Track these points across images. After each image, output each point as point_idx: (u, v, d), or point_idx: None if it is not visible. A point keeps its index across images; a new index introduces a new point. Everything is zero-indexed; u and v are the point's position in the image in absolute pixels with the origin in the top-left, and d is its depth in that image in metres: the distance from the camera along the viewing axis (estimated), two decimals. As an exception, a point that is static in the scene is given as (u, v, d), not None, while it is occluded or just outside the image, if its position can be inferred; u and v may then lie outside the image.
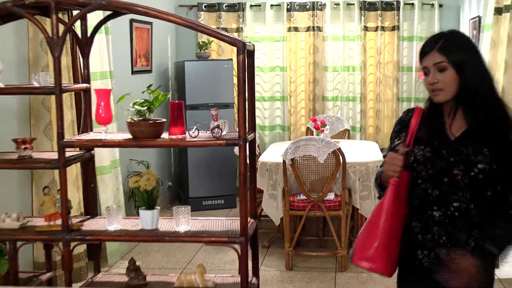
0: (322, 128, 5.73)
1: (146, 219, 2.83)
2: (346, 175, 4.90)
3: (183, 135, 2.80)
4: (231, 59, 7.07)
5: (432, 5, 7.10)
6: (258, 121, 7.23)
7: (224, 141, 2.74)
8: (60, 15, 3.17)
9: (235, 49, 7.29)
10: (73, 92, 4.30)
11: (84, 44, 2.98)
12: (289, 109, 7.41)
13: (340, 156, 4.84)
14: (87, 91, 3.03)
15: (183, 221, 2.84)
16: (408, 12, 7.15)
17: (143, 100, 2.78)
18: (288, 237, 5.00)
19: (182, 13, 7.24)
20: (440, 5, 7.12)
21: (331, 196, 5.00)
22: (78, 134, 3.08)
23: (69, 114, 4.33)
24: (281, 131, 7.43)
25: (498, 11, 5.00)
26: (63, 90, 2.72)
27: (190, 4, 7.41)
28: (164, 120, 2.83)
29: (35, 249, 4.05)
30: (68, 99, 4.34)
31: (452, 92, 2.08)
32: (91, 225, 2.92)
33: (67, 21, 3.25)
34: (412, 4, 7.12)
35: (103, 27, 4.11)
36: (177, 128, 2.79)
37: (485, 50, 5.10)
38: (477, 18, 6.04)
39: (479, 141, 2.08)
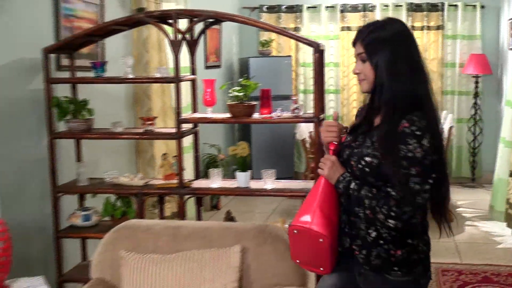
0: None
1: (241, 178, 3.67)
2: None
3: (270, 115, 3.63)
4: (290, 56, 7.90)
5: (474, 6, 7.76)
6: (314, 111, 8.02)
7: (303, 119, 3.57)
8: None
9: (293, 46, 8.10)
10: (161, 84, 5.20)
11: (192, 44, 3.84)
12: (342, 101, 8.19)
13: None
14: (194, 80, 3.90)
15: (269, 181, 3.67)
16: (452, 13, 7.83)
17: (239, 88, 3.62)
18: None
19: (245, 14, 8.08)
20: (482, 6, 7.77)
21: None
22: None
23: (159, 101, 5.23)
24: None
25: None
26: (180, 80, 3.59)
27: (252, 6, 8.25)
28: (255, 103, 3.66)
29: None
30: (159, 90, 5.24)
31: (372, 83, 2.10)
32: (198, 184, 3.78)
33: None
34: (456, 5, 7.80)
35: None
36: (266, 109, 3.63)
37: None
38: (515, 19, 6.69)
39: (371, 133, 2.12)
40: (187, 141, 4.48)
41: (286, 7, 8.20)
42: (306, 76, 8.19)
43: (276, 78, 7.52)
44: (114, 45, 4.64)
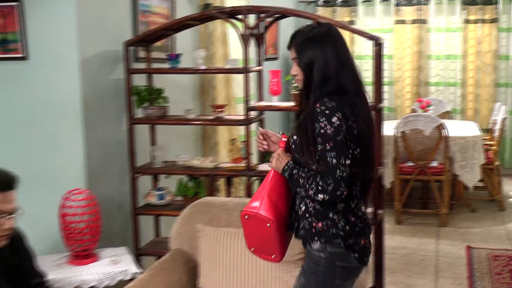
0: (428, 108, 6.68)
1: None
2: (448, 147, 5.85)
3: (332, 103, 3.89)
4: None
5: (530, -1, 7.84)
6: (367, 103, 8.23)
7: (362, 108, 3.82)
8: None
9: (348, 38, 8.22)
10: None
11: (259, 38, 4.13)
12: (395, 93, 8.37)
13: (443, 130, 5.79)
14: (261, 71, 4.21)
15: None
16: (507, 6, 7.91)
17: (303, 78, 3.89)
18: (398, 197, 6.02)
19: (301, 8, 8.33)
20: (538, -1, 7.84)
21: (434, 163, 5.97)
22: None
23: (223, 91, 5.55)
24: (388, 112, 8.40)
25: None
26: (249, 70, 3.90)
27: (309, 0, 8.50)
28: (318, 92, 3.93)
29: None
30: (223, 80, 5.57)
31: (303, 81, 2.36)
32: (262, 167, 4.09)
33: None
34: (511, -2, 7.89)
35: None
36: (328, 98, 3.90)
37: None
38: None
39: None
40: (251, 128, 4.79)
41: (341, 1, 8.41)
42: (361, 68, 8.38)
43: None
44: (183, 38, 4.97)
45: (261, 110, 4.06)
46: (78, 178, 3.77)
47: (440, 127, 5.80)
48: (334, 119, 2.21)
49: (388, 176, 6.03)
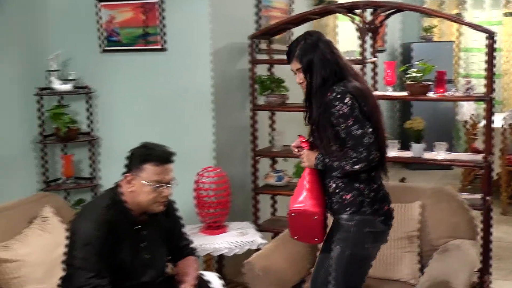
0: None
1: (416, 149, 4.18)
2: (558, 139, 5.87)
3: (444, 93, 4.10)
4: (452, 41, 8.18)
5: None
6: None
7: (475, 97, 4.01)
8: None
9: (454, 31, 8.33)
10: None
11: (375, 30, 4.39)
12: (503, 85, 8.33)
13: (554, 122, 5.82)
14: (375, 63, 4.47)
15: (441, 152, 4.15)
16: None
17: (417, 69, 4.12)
18: (504, 189, 6.09)
19: (406, 0, 8.44)
20: None
21: (543, 155, 6.00)
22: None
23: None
24: (496, 104, 8.36)
25: None
26: (365, 62, 4.17)
27: (416, -7, 8.61)
28: (430, 83, 4.14)
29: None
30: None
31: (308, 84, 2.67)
32: (376, 153, 4.35)
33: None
34: None
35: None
36: (440, 88, 4.10)
37: None
38: None
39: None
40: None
41: (449, -6, 8.46)
42: (468, 61, 8.41)
43: (437, 63, 7.66)
44: (298, 32, 5.29)
45: (376, 99, 4.31)
46: (208, 158, 4.19)
47: (550, 119, 5.82)
48: (347, 100, 2.52)
49: (495, 167, 6.10)
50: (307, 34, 2.72)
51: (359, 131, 2.52)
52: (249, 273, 3.19)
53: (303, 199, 2.66)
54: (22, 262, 2.94)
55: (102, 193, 2.78)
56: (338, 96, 2.53)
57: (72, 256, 2.60)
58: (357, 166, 2.54)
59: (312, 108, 2.67)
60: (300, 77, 2.68)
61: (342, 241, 2.67)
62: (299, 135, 2.81)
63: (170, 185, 2.72)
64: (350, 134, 2.53)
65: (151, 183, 2.62)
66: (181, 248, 2.97)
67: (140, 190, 2.64)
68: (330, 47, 2.67)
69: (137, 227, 2.72)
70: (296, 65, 2.67)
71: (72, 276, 2.60)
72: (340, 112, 2.53)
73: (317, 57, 2.62)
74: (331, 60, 2.63)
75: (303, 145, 2.77)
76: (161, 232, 2.86)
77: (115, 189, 2.73)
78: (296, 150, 2.81)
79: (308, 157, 2.71)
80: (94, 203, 2.82)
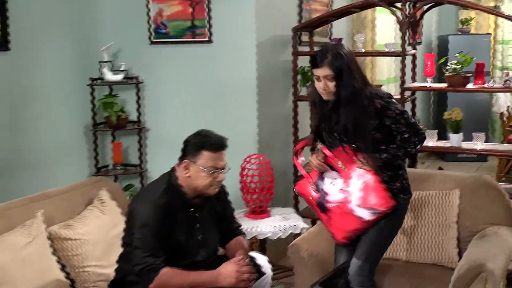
0: None
1: (454, 139, 4.29)
2: None
3: (483, 85, 4.19)
4: (489, 34, 8.21)
5: None
6: None
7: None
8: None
9: (492, 24, 8.36)
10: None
11: (414, 23, 4.50)
12: (540, 78, 8.32)
13: None
14: (415, 55, 4.58)
15: (479, 143, 4.25)
16: None
17: (456, 61, 4.22)
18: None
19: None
20: None
21: None
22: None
23: (368, 73, 5.95)
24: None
25: None
26: (406, 54, 4.28)
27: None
28: (469, 75, 4.24)
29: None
30: (369, 64, 5.97)
31: (333, 92, 2.81)
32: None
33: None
34: None
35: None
36: (479, 80, 4.20)
37: None
38: None
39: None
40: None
41: (486, -14, 8.48)
42: (504, 53, 8.43)
43: (474, 55, 7.73)
44: (338, 24, 5.43)
45: (416, 90, 4.44)
46: (252, 146, 4.36)
47: None
48: (393, 99, 2.86)
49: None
50: (336, 44, 2.89)
51: (412, 119, 2.90)
52: (294, 256, 3.35)
53: (377, 202, 2.86)
54: (82, 241, 3.15)
55: (158, 178, 2.95)
56: (389, 100, 2.83)
57: (130, 236, 2.79)
58: (419, 146, 2.92)
59: (340, 114, 2.83)
60: (326, 83, 2.80)
61: (387, 218, 2.91)
62: (322, 147, 3.01)
63: (223, 170, 2.88)
64: (408, 124, 2.85)
65: (206, 169, 2.79)
66: (231, 230, 3.13)
67: (196, 175, 2.81)
68: (355, 57, 2.87)
69: (191, 209, 2.90)
70: (325, 71, 2.78)
71: (130, 255, 2.79)
72: (397, 111, 2.83)
73: (348, 65, 2.77)
74: (359, 69, 2.85)
75: (334, 157, 2.94)
76: (213, 214, 3.03)
77: (171, 174, 2.90)
78: (317, 164, 3.02)
79: (366, 162, 2.87)
80: (151, 187, 3.00)
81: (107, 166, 4.66)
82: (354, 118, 2.79)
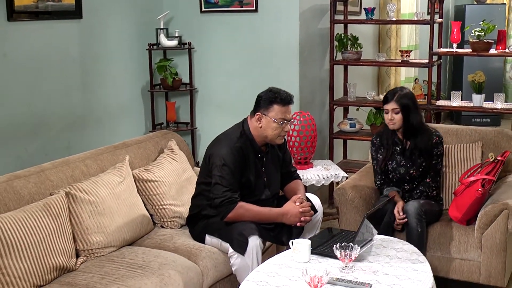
0: None
1: (476, 99, 4.77)
2: None
3: (504, 50, 4.66)
4: (504, 4, 8.61)
5: None
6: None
7: (532, 54, 4.58)
8: None
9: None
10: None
11: None
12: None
13: None
14: (441, 23, 5.04)
15: (499, 102, 4.73)
16: None
17: (479, 29, 4.68)
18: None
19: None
20: None
21: None
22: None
23: (394, 41, 6.42)
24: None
25: None
26: (434, 22, 4.74)
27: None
28: (492, 41, 4.70)
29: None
30: (394, 32, 6.42)
31: (400, 124, 3.63)
32: (440, 103, 4.93)
33: None
34: None
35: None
36: (501, 45, 4.66)
37: None
38: None
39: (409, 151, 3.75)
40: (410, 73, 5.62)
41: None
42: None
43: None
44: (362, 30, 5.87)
45: (443, 55, 4.91)
46: (294, 105, 4.82)
47: None
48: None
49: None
50: (402, 87, 3.76)
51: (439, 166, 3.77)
52: (340, 198, 3.86)
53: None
54: (160, 182, 3.67)
55: (232, 128, 3.43)
56: (441, 140, 3.70)
57: (210, 175, 3.30)
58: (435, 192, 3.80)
59: (411, 141, 3.67)
60: (393, 116, 3.59)
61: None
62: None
63: (289, 122, 3.37)
64: (436, 169, 3.71)
65: (277, 120, 3.28)
66: (290, 173, 3.64)
67: (267, 126, 3.30)
68: (415, 98, 3.72)
69: (259, 155, 3.40)
70: (393, 105, 3.59)
71: (208, 192, 3.31)
72: (440, 153, 3.70)
73: (412, 103, 3.61)
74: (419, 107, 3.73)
75: None
76: (276, 161, 3.53)
77: (243, 124, 3.39)
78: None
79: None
80: (227, 134, 3.47)
81: (162, 124, 5.17)
82: (424, 146, 3.65)
